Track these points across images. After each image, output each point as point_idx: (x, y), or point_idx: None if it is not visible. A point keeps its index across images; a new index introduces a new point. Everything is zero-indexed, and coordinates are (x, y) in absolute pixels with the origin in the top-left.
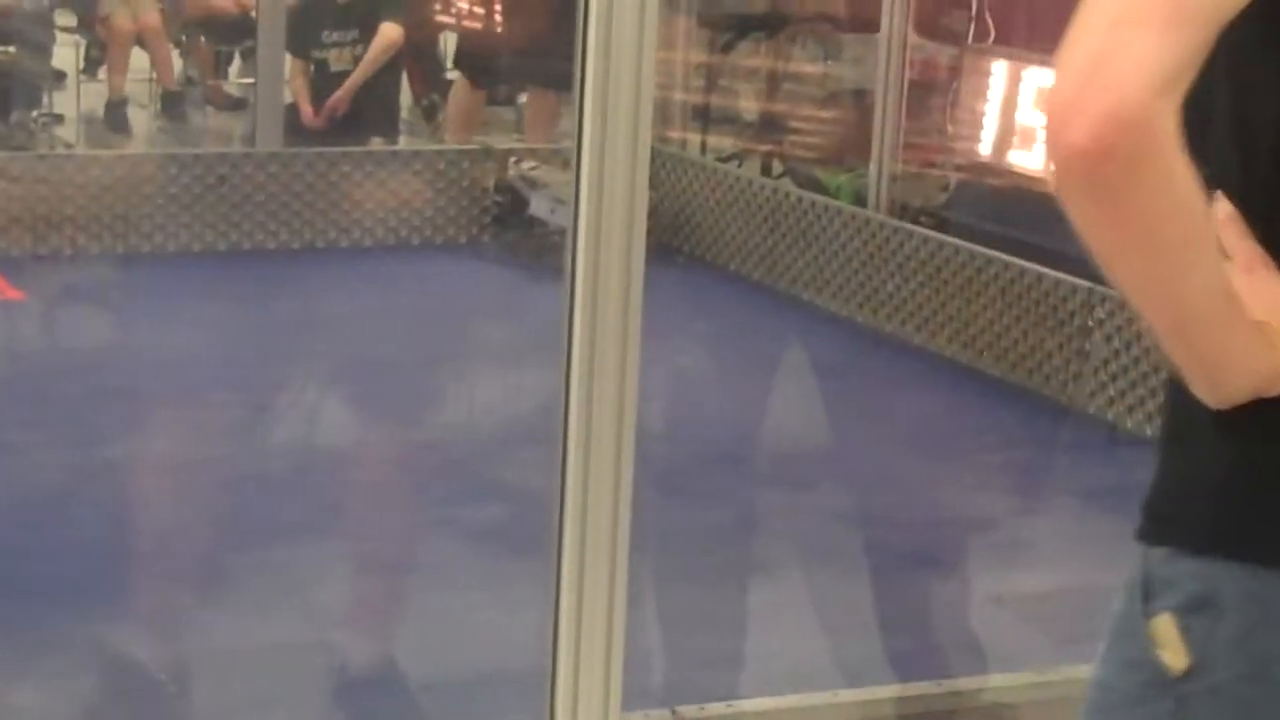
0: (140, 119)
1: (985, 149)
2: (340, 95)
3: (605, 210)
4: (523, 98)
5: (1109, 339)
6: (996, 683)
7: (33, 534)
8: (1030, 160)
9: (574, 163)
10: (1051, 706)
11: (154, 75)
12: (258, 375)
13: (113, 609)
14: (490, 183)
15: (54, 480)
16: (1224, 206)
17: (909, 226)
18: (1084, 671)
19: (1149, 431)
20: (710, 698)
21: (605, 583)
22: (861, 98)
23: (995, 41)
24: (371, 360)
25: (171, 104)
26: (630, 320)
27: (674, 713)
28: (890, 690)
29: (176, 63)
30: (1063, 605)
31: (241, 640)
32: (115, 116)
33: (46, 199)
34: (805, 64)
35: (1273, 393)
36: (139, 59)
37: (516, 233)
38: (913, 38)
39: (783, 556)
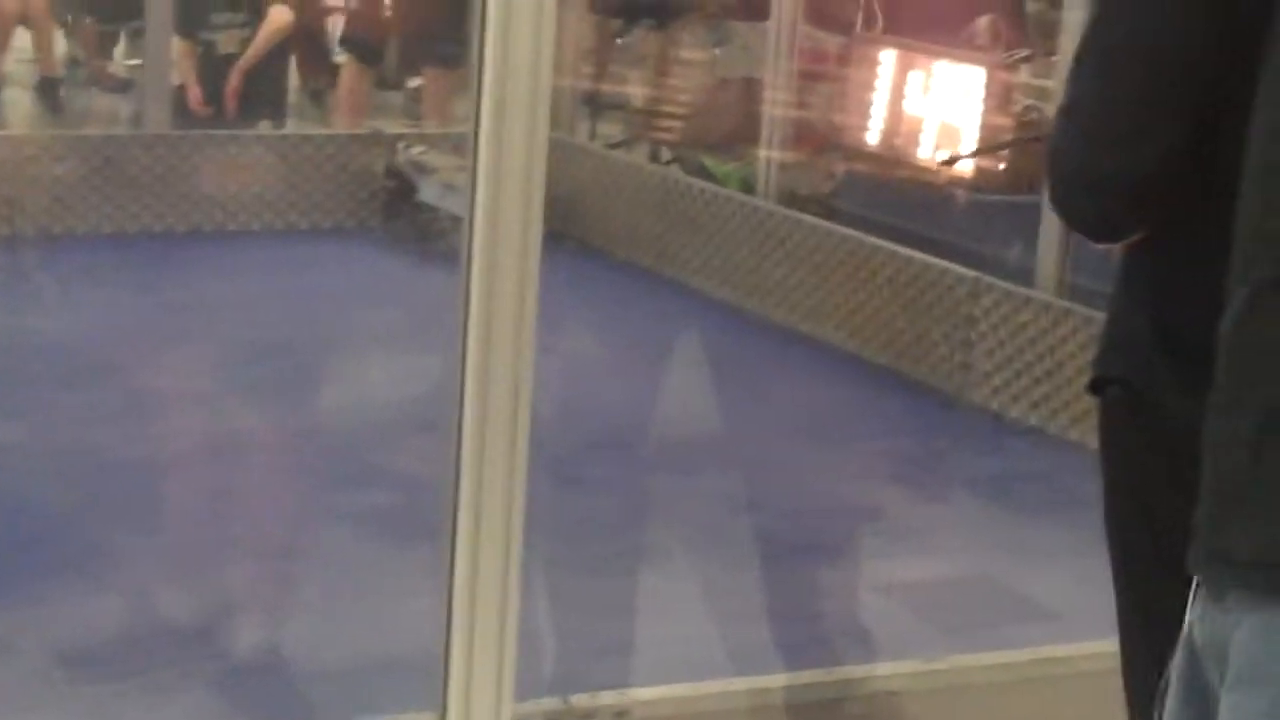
0: (25, 100)
1: (873, 138)
2: (234, 82)
3: (502, 197)
4: (412, 81)
5: (994, 328)
6: (884, 670)
7: None
8: (917, 149)
9: (471, 149)
10: (938, 695)
11: (36, 58)
12: (143, 359)
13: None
14: (379, 168)
15: None
16: None
17: (796, 214)
18: (969, 660)
19: (1032, 421)
20: (603, 686)
21: (499, 571)
22: (751, 85)
23: (884, 31)
24: (258, 344)
25: (48, 89)
26: (526, 307)
27: (566, 701)
28: (780, 679)
29: (61, 43)
30: (949, 594)
31: (127, 627)
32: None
33: None
34: (695, 51)
35: None
36: (24, 38)
37: (405, 218)
38: (803, 26)
39: (673, 544)
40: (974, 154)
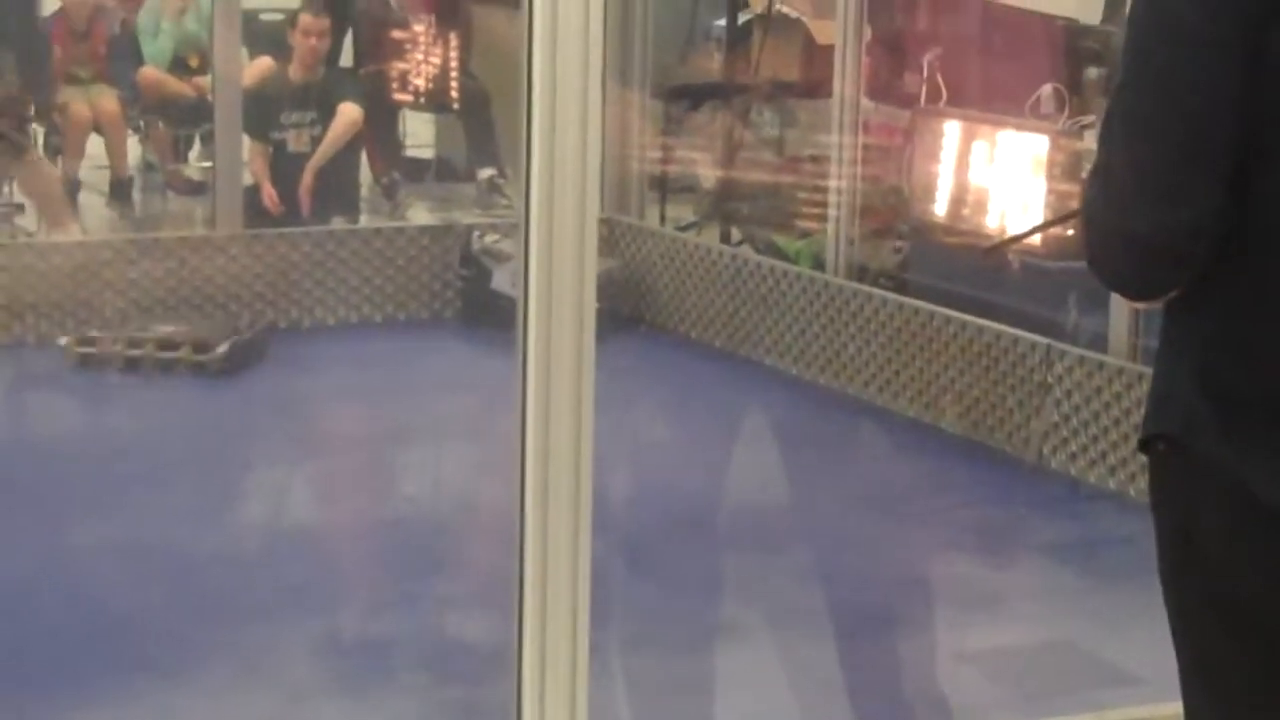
0: (100, 205)
1: (939, 209)
2: (307, 181)
3: (555, 280)
4: (484, 173)
5: (1068, 394)
6: None
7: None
8: (984, 219)
9: (521, 235)
10: None
11: (111, 163)
12: (222, 456)
13: (79, 693)
14: (454, 258)
15: (29, 567)
16: None
17: (867, 289)
18: None
19: (1110, 485)
20: None
21: (567, 655)
22: (817, 163)
23: (947, 103)
24: (336, 438)
25: (121, 193)
26: (583, 388)
27: None
28: None
29: (135, 149)
30: (1030, 661)
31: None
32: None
33: (9, 287)
34: (760, 131)
35: None
36: (99, 144)
37: (481, 307)
38: (866, 101)
39: (750, 621)
40: (1016, 239)
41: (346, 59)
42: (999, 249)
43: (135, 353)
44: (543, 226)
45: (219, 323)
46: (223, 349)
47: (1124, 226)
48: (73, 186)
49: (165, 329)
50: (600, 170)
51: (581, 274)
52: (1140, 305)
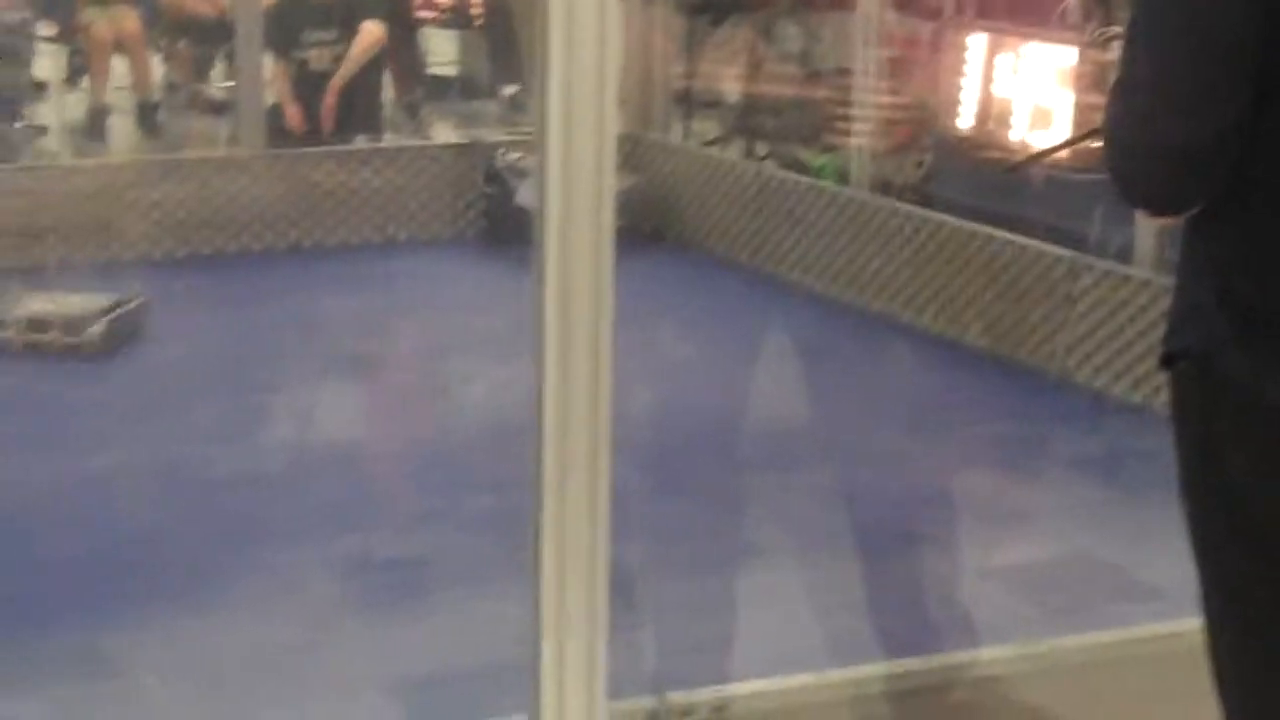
0: (125, 126)
1: (964, 123)
2: (330, 100)
3: (573, 199)
4: (507, 89)
5: (1093, 308)
6: (986, 656)
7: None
8: (1009, 132)
9: (540, 149)
10: (1040, 678)
11: (133, 84)
12: (249, 377)
13: (110, 616)
14: (477, 176)
15: (44, 490)
16: None
17: (891, 203)
18: (1072, 642)
19: (1135, 399)
20: (699, 684)
21: (586, 570)
22: (843, 76)
23: (973, 15)
24: (361, 358)
25: (147, 114)
26: (602, 304)
27: (663, 699)
28: (879, 668)
29: (159, 69)
30: (1053, 576)
31: (236, 641)
32: (95, 125)
33: (30, 210)
34: (784, 46)
35: None
36: (123, 66)
37: (505, 223)
38: (891, 14)
39: (770, 539)
40: (1040, 156)
41: None
42: (1023, 166)
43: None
44: (560, 142)
45: (92, 299)
46: (97, 328)
47: (1147, 139)
48: (100, 109)
49: (33, 307)
50: (621, 86)
51: (600, 190)
52: (1160, 220)
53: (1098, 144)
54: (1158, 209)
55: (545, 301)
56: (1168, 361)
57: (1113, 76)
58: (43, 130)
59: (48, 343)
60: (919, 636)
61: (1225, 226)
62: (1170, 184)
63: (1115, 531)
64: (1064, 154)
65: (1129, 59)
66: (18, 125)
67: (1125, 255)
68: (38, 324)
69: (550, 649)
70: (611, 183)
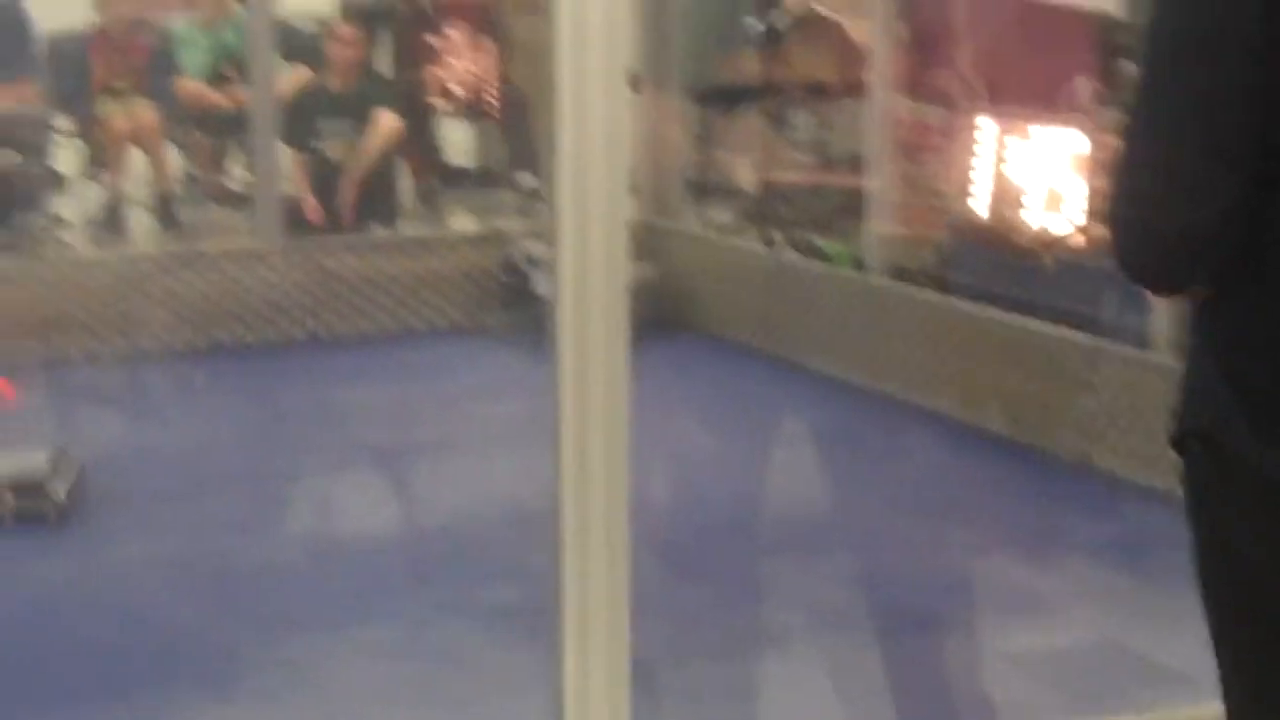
0: (144, 218)
1: (978, 207)
2: (347, 191)
3: (587, 288)
4: (523, 180)
5: (1111, 392)
6: None
7: (47, 638)
8: (1024, 217)
9: (552, 241)
10: None
11: (152, 176)
12: (268, 467)
13: (128, 708)
14: (495, 265)
15: (68, 581)
16: None
17: (908, 288)
18: None
19: (1155, 484)
20: None
21: (607, 659)
22: (855, 163)
23: (984, 100)
24: (379, 448)
25: (165, 207)
26: (618, 395)
27: None
28: None
29: (177, 160)
30: (1073, 661)
31: None
32: (113, 218)
33: (52, 302)
34: (796, 133)
35: None
36: (140, 159)
37: (523, 313)
38: (903, 100)
39: (791, 625)
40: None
41: (385, 67)
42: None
43: None
44: (573, 232)
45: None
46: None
47: (1147, 223)
48: (118, 202)
49: None
50: (634, 175)
51: (614, 279)
52: (1166, 299)
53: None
54: (1162, 288)
55: (562, 391)
56: (1178, 442)
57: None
58: (61, 222)
59: None
60: None
61: (1231, 304)
62: (1173, 264)
63: (1136, 617)
64: (1079, 240)
65: (1130, 139)
66: (38, 218)
67: (1142, 340)
68: None
69: None
70: (625, 272)
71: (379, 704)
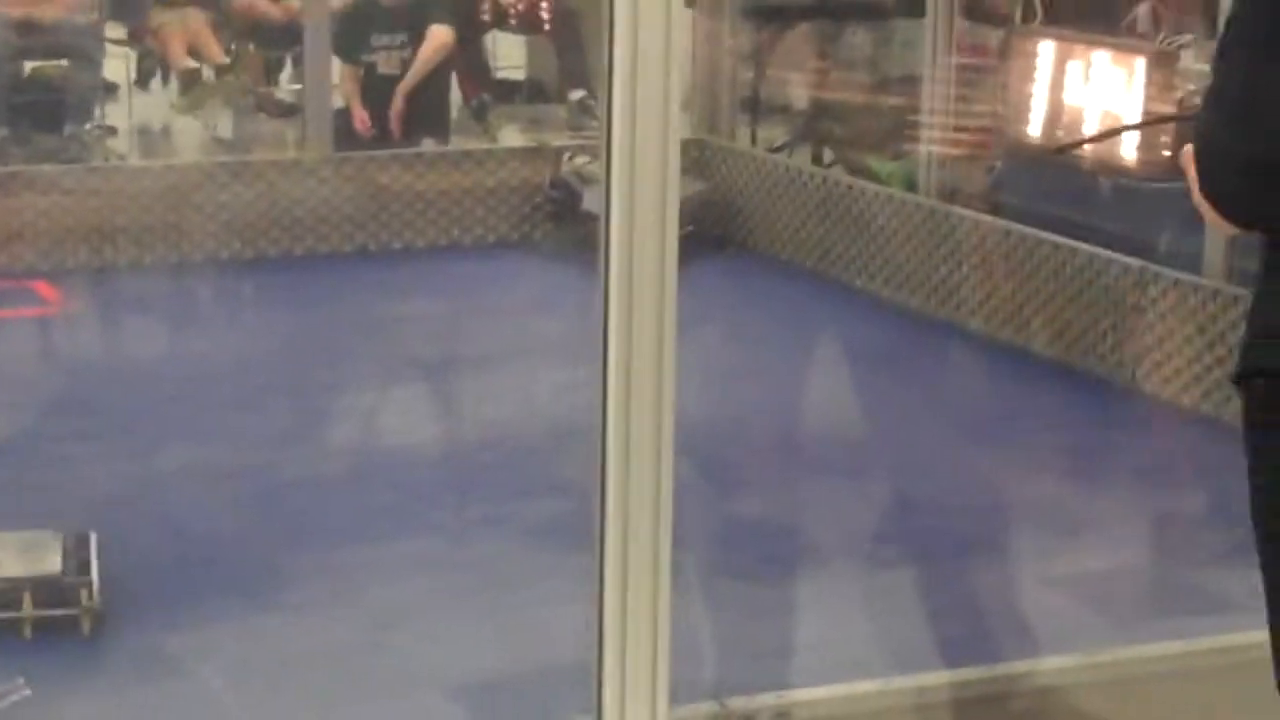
0: (192, 129)
1: (1033, 130)
2: (398, 104)
3: (637, 204)
4: (574, 94)
5: (1162, 317)
6: (1048, 665)
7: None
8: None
9: (603, 154)
10: (1104, 688)
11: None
12: (313, 380)
13: (173, 616)
14: (544, 179)
15: (114, 491)
16: None
17: (959, 210)
18: (1135, 652)
19: (1204, 409)
20: (760, 689)
21: (649, 576)
22: (912, 83)
23: (1042, 22)
24: (426, 361)
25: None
26: (666, 309)
27: (722, 705)
28: (942, 676)
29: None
30: (1117, 586)
31: (299, 642)
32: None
33: (100, 211)
34: (852, 51)
35: None
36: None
37: (570, 229)
38: (960, 21)
39: (833, 545)
40: (1088, 140)
41: None
42: (1068, 149)
43: None
44: (625, 147)
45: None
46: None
47: (1240, 148)
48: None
49: None
50: (687, 91)
51: (664, 195)
52: (1242, 232)
53: (1167, 151)
54: (1245, 220)
55: (609, 306)
56: (1242, 378)
57: (1181, 84)
58: (112, 131)
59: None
60: (981, 645)
61: None
62: (1260, 194)
63: (1181, 542)
64: (1133, 163)
65: (1222, 69)
66: (88, 127)
67: (1194, 264)
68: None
69: (613, 653)
70: (675, 188)
71: (420, 616)
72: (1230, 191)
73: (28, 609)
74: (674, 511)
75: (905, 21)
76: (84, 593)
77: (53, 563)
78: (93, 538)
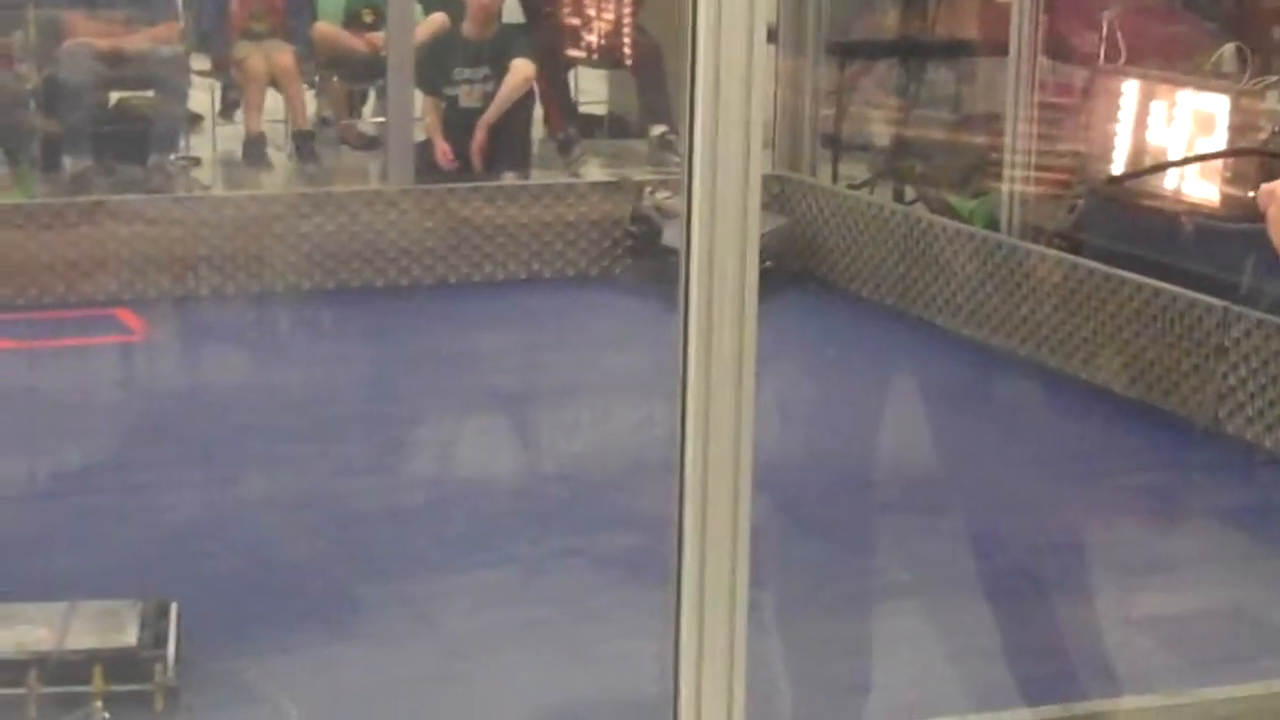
0: (276, 160)
1: (1116, 169)
2: (480, 137)
3: (717, 239)
4: (655, 129)
5: (1245, 358)
6: (1128, 705)
7: (171, 572)
8: (1161, 180)
9: (685, 190)
10: None
11: (288, 116)
12: (392, 410)
13: (249, 644)
14: (624, 214)
15: (193, 519)
16: None
17: (1041, 249)
18: (1217, 694)
19: None
20: None
21: (725, 611)
22: (993, 121)
23: (1126, 62)
24: (505, 393)
25: (303, 143)
26: (745, 346)
27: None
28: (1020, 714)
29: (311, 104)
30: (1199, 627)
31: (375, 673)
32: (253, 153)
33: (183, 240)
34: (935, 89)
35: None
36: (274, 101)
37: (651, 263)
38: (1044, 60)
39: (911, 583)
40: (1145, 172)
41: (518, 15)
42: (1128, 180)
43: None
44: (706, 183)
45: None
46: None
47: None
48: (257, 140)
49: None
50: (769, 128)
51: (745, 230)
52: None
53: (1251, 192)
54: None
55: (689, 340)
56: None
57: (1265, 125)
58: (197, 162)
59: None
60: (1061, 683)
61: None
62: None
63: (1264, 584)
64: (1216, 203)
65: None
66: (173, 157)
67: (1278, 307)
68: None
69: (688, 688)
70: (756, 223)
71: (496, 648)
72: None
73: (98, 684)
74: (751, 547)
75: (988, 60)
76: (158, 667)
77: (129, 635)
78: (173, 607)
